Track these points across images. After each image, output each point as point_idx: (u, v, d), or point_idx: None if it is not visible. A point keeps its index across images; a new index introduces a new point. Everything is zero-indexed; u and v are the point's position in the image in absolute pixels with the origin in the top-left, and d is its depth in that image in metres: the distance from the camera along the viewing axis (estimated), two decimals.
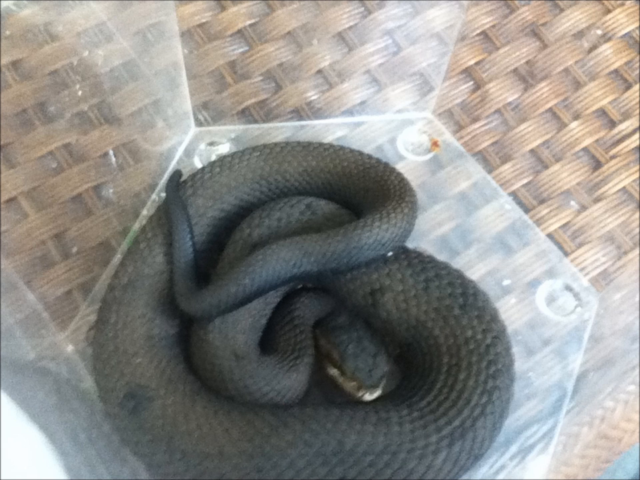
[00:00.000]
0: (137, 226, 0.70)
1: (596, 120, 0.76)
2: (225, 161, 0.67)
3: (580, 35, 0.80)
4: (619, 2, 0.81)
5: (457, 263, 0.65)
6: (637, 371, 0.60)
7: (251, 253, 0.59)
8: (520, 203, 0.72)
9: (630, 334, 0.63)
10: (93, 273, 0.68)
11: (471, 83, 0.78)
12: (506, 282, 0.68)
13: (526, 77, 0.78)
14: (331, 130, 0.76)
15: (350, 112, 0.77)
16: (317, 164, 0.66)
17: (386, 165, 0.66)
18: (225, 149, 0.75)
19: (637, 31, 0.80)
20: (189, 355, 0.60)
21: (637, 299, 0.64)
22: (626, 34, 0.80)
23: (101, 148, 0.73)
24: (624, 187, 0.72)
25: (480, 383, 0.56)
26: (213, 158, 0.73)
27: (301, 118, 0.76)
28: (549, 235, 0.71)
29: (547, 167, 0.74)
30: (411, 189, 0.64)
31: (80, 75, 0.75)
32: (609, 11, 0.81)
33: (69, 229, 0.70)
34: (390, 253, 0.61)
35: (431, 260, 0.62)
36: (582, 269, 0.69)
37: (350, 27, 0.80)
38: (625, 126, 0.75)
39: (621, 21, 0.80)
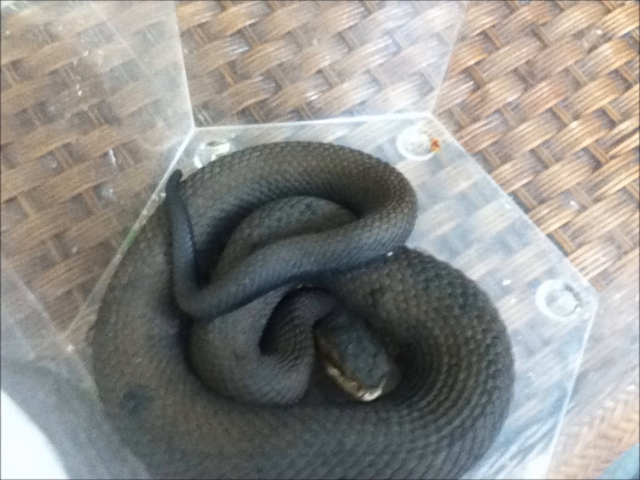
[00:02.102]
0: (137, 226, 0.70)
1: (596, 120, 0.76)
2: (225, 161, 0.67)
3: (580, 34, 0.80)
4: (618, 2, 0.81)
5: (457, 263, 0.65)
6: (637, 370, 0.60)
7: (251, 253, 0.59)
8: (520, 203, 0.72)
9: (630, 334, 0.63)
10: (92, 273, 0.68)
11: (471, 83, 0.78)
12: (506, 282, 0.68)
13: (526, 77, 0.78)
14: (331, 130, 0.76)
15: (350, 112, 0.77)
16: (317, 164, 0.66)
17: (386, 165, 0.66)
18: (225, 149, 0.75)
19: (637, 31, 0.80)
20: (189, 355, 0.60)
21: (637, 298, 0.64)
22: (626, 34, 0.80)
23: (101, 148, 0.73)
24: (624, 187, 0.72)
25: (480, 383, 0.56)
26: (213, 158, 0.73)
27: (300, 118, 0.76)
28: (549, 235, 0.71)
29: (547, 167, 0.74)
30: (411, 189, 0.64)
31: (80, 75, 0.75)
32: (608, 11, 0.81)
33: (69, 229, 0.70)
34: (390, 253, 0.61)
35: (431, 260, 0.62)
36: (582, 269, 0.69)
37: (350, 27, 0.80)
38: (625, 126, 0.75)
39: (621, 21, 0.80)
